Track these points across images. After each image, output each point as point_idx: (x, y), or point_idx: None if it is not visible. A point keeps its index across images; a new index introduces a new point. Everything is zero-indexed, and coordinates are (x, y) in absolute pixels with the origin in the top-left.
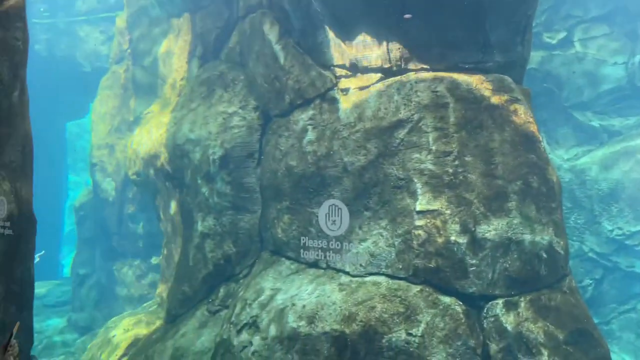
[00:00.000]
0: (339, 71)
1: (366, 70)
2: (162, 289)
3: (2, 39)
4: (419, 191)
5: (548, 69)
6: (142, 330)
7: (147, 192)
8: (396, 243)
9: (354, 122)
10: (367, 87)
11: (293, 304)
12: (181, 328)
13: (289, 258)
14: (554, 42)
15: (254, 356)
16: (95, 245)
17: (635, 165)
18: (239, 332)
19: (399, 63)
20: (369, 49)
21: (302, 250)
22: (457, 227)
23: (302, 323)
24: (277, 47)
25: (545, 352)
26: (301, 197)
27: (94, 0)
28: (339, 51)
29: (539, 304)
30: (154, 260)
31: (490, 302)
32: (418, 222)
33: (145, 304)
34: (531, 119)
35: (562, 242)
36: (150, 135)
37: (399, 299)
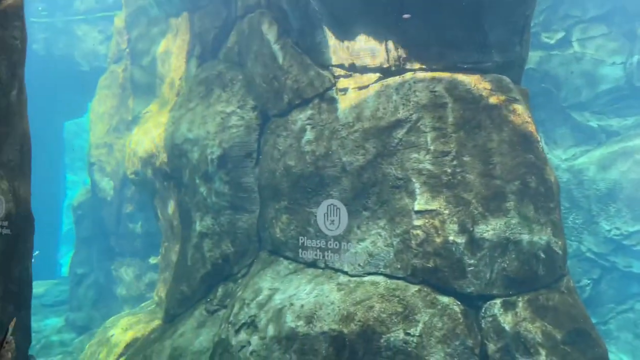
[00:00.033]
0: (338, 71)
1: (365, 70)
2: (160, 289)
3: (0, 38)
4: (418, 191)
5: (546, 69)
6: (140, 330)
7: (145, 191)
8: (394, 243)
9: (352, 122)
10: (366, 87)
11: (291, 304)
12: (179, 328)
13: (287, 258)
14: (552, 42)
15: (252, 356)
16: (93, 245)
17: (633, 166)
18: (237, 331)
19: (397, 63)
20: (368, 49)
21: (300, 250)
22: (455, 227)
23: (301, 323)
24: (276, 47)
25: (543, 352)
26: (299, 197)
27: None
28: (338, 51)
29: (537, 303)
30: (152, 259)
31: (488, 302)
32: (416, 222)
33: (143, 304)
34: (529, 119)
35: (560, 242)
36: (149, 135)
37: (397, 298)
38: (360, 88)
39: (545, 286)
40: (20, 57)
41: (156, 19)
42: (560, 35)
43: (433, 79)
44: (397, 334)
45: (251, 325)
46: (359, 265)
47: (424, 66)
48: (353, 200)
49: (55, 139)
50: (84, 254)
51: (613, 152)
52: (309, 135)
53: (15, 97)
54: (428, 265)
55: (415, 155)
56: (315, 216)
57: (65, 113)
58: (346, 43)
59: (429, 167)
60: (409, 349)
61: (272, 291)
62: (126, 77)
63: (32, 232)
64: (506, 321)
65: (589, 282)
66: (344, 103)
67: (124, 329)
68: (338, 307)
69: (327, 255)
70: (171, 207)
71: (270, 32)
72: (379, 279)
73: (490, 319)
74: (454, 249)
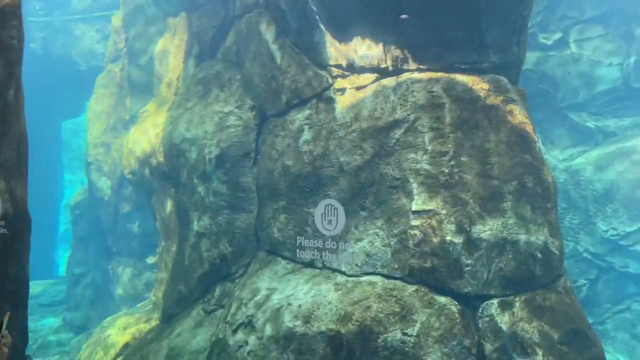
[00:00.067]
0: (336, 71)
1: (362, 70)
2: (157, 289)
3: None
4: (415, 191)
5: (543, 69)
6: (138, 330)
7: (142, 191)
8: (392, 243)
9: (350, 122)
10: (364, 87)
11: (289, 304)
12: (177, 327)
13: (285, 258)
14: (549, 43)
15: (250, 356)
16: (90, 245)
17: (630, 166)
18: (234, 331)
19: (395, 63)
20: (366, 49)
21: (298, 250)
22: (452, 227)
23: (298, 323)
24: (274, 47)
25: (539, 352)
26: (297, 197)
27: None
28: (336, 51)
29: (534, 304)
30: (150, 259)
31: (485, 302)
32: (414, 222)
33: (140, 304)
34: (527, 120)
35: (557, 243)
36: (146, 135)
37: (395, 298)
38: (358, 88)
39: (542, 286)
40: (18, 57)
41: (154, 18)
42: (557, 36)
43: (431, 79)
44: (395, 334)
45: (249, 325)
46: (357, 265)
47: (421, 66)
48: (350, 200)
49: (53, 138)
50: (81, 253)
51: (610, 152)
52: (307, 135)
53: (12, 97)
54: (425, 265)
55: (413, 155)
56: (313, 216)
57: (62, 112)
58: (344, 43)
59: (426, 167)
60: (407, 349)
61: (270, 291)
62: (124, 77)
63: (29, 232)
64: (503, 321)
65: (585, 282)
66: (342, 103)
67: (121, 328)
68: (335, 307)
69: (325, 255)
70: (169, 206)
71: (268, 32)
72: (377, 279)
73: (488, 319)
74: (451, 249)
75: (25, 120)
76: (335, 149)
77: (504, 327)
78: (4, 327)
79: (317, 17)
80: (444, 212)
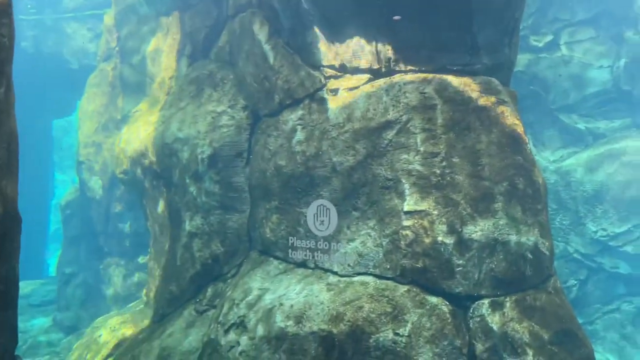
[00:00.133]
0: (328, 72)
1: (355, 71)
2: (149, 289)
3: None
4: (407, 192)
5: (535, 71)
6: (129, 330)
7: (134, 191)
8: (384, 243)
9: (342, 122)
10: (356, 87)
11: (281, 304)
12: (168, 328)
13: (277, 258)
14: (540, 45)
15: (242, 356)
16: (81, 244)
17: (620, 168)
18: (226, 332)
19: (387, 64)
20: (358, 50)
21: (290, 250)
22: (444, 227)
23: (290, 323)
24: (267, 47)
25: (530, 352)
26: (290, 197)
27: None
28: (329, 52)
29: (525, 304)
30: (141, 259)
31: (476, 302)
32: (406, 223)
33: (132, 304)
34: (518, 121)
35: (547, 243)
36: (138, 134)
37: (387, 299)
38: (350, 89)
39: (533, 287)
40: (8, 55)
41: (146, 17)
42: (548, 38)
43: (423, 80)
44: (386, 334)
45: (240, 325)
46: (349, 265)
47: (414, 68)
48: (343, 201)
49: (44, 137)
50: (72, 253)
51: (600, 154)
52: (300, 135)
53: (3, 95)
54: (417, 265)
55: (405, 156)
56: (306, 216)
57: (54, 111)
58: (337, 44)
59: (418, 168)
60: (398, 349)
61: (262, 291)
62: (116, 76)
63: (19, 232)
64: (494, 321)
65: (575, 282)
66: (335, 104)
67: (112, 329)
68: (327, 307)
69: (317, 256)
70: (160, 206)
71: (261, 32)
72: (369, 279)
73: (478, 319)
74: (442, 249)
75: (16, 119)
76: (328, 149)
77: (495, 327)
78: None
79: (310, 17)
80: (435, 212)
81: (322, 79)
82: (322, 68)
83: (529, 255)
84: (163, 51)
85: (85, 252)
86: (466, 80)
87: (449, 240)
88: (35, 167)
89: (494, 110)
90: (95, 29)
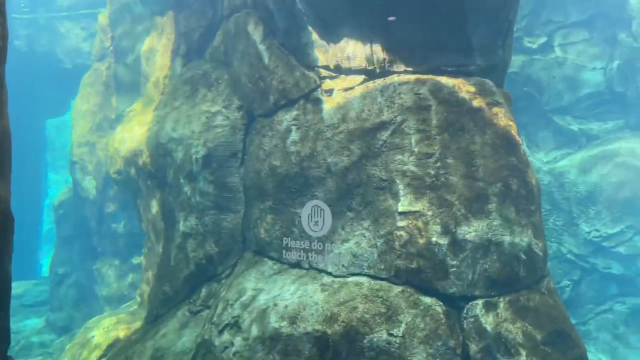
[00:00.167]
0: (323, 72)
1: (350, 71)
2: (143, 289)
3: None
4: (401, 192)
5: (528, 73)
6: (122, 331)
7: (128, 191)
8: (378, 244)
9: (337, 123)
10: (351, 88)
11: (275, 304)
12: (162, 328)
13: (271, 258)
14: (534, 46)
15: (236, 357)
16: (74, 245)
17: (613, 169)
18: (220, 332)
19: (382, 65)
20: (353, 51)
21: (284, 251)
22: (438, 228)
23: (284, 323)
24: (262, 47)
25: (523, 353)
26: (284, 198)
27: None
28: (323, 52)
29: (518, 304)
30: (135, 259)
31: (470, 303)
32: (400, 223)
33: (125, 304)
34: (511, 122)
35: (540, 244)
36: (132, 134)
37: (381, 299)
38: (345, 89)
39: (526, 287)
40: (1, 54)
41: (141, 16)
42: (542, 40)
43: (417, 81)
44: (380, 335)
45: (234, 325)
46: (343, 266)
47: (408, 68)
48: (337, 201)
49: (37, 137)
50: (65, 253)
51: (593, 155)
52: (294, 135)
53: None
54: (411, 266)
55: (400, 156)
56: (300, 217)
57: (47, 111)
58: (332, 44)
59: (412, 168)
60: (392, 350)
61: (256, 292)
62: (110, 75)
63: (12, 232)
64: (488, 322)
65: (569, 283)
66: (329, 104)
67: (106, 329)
68: (322, 307)
69: (311, 256)
70: (154, 206)
71: (256, 32)
72: (363, 279)
73: (472, 319)
74: (436, 250)
75: (9, 118)
76: (322, 149)
77: (489, 328)
78: None
79: (305, 17)
80: (429, 213)
81: (317, 80)
82: (316, 69)
83: (523, 256)
84: (157, 51)
85: (78, 252)
86: (460, 81)
87: (443, 241)
88: (28, 167)
89: (488, 112)
90: (89, 28)
